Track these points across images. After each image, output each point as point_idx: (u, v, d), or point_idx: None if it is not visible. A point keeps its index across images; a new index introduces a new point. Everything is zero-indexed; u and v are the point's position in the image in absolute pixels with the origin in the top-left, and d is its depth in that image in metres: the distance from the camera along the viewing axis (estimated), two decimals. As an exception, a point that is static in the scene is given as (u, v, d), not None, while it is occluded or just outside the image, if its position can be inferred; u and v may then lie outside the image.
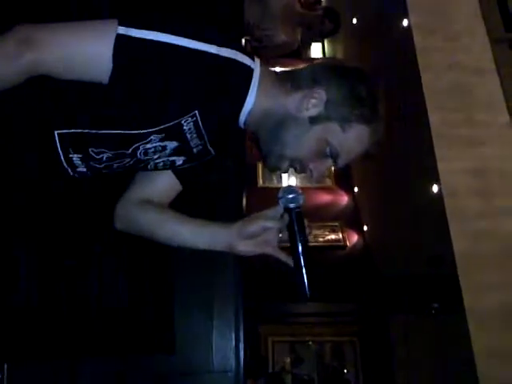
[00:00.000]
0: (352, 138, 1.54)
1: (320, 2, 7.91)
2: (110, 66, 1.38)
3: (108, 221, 1.81)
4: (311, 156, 1.56)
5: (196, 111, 1.48)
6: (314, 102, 1.51)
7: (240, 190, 2.68)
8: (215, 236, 1.66)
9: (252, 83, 1.50)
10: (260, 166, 6.56)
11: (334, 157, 1.56)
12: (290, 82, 1.57)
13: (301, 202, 1.57)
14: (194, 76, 1.42)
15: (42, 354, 2.28)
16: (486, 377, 3.31)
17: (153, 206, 1.75)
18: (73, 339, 2.26)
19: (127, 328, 2.31)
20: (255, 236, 1.60)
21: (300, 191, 1.57)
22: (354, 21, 6.22)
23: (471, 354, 3.34)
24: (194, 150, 1.61)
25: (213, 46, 1.42)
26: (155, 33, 1.38)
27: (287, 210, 1.56)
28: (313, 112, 1.52)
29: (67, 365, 2.34)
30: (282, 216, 1.58)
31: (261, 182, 6.51)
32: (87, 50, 1.41)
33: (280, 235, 1.59)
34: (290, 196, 1.56)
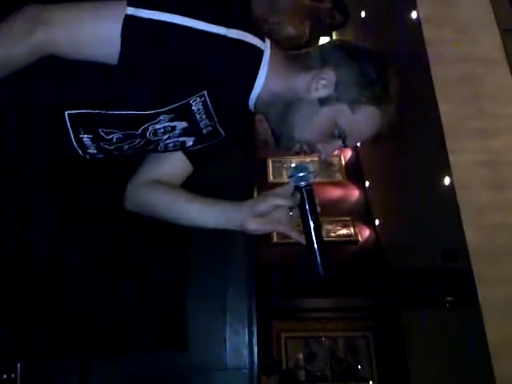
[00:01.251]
0: (362, 120, 1.52)
1: (328, -4, 7.89)
2: (119, 46, 1.38)
3: (119, 212, 1.81)
4: (320, 137, 1.55)
5: (204, 91, 1.47)
6: (323, 83, 1.50)
7: (250, 186, 2.68)
8: (225, 214, 1.65)
9: (262, 65, 1.49)
10: (270, 161, 6.55)
11: (343, 138, 1.55)
12: (299, 62, 1.55)
13: (312, 180, 1.55)
14: (202, 57, 1.41)
15: (55, 352, 2.28)
16: (501, 369, 3.30)
17: (162, 185, 1.75)
18: (84, 338, 2.26)
19: (139, 325, 2.30)
20: (266, 214, 1.58)
21: (311, 168, 1.55)
22: (363, 14, 6.19)
23: (486, 347, 3.32)
24: (204, 131, 1.60)
25: (221, 27, 1.40)
26: (163, 13, 1.37)
27: (298, 188, 1.55)
28: (322, 93, 1.51)
29: (79, 363, 2.34)
30: (292, 194, 1.56)
31: (271, 177, 6.50)
32: (96, 30, 1.40)
33: (291, 213, 1.58)
34: (301, 174, 1.54)
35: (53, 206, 2.09)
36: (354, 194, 6.53)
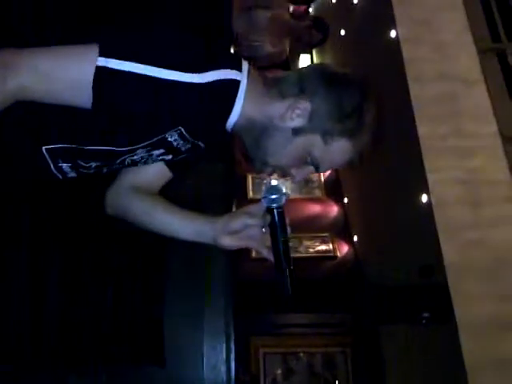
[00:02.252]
0: (334, 151, 1.55)
1: (308, 12, 7.96)
2: (91, 95, 1.38)
3: (98, 229, 1.82)
4: (293, 163, 1.59)
5: (180, 127, 1.48)
6: (298, 113, 1.52)
7: (230, 201, 2.69)
8: (199, 228, 1.69)
9: (238, 96, 1.51)
10: (250, 177, 6.56)
11: (315, 166, 1.58)
12: (277, 89, 1.57)
13: (283, 202, 1.58)
14: (176, 105, 1.42)
15: (33, 366, 2.26)
16: (478, 385, 3.31)
17: (144, 194, 1.77)
18: (62, 352, 2.25)
19: (117, 341, 2.29)
20: (239, 231, 1.63)
21: (284, 191, 1.58)
22: (342, 32, 6.24)
23: (462, 363, 3.34)
24: (182, 149, 1.62)
25: (195, 74, 1.40)
26: (135, 64, 1.37)
27: (269, 209, 1.59)
28: (296, 123, 1.53)
29: (57, 377, 2.33)
30: (264, 213, 1.60)
31: (251, 193, 6.50)
32: (68, 78, 1.40)
33: (263, 230, 1.62)
34: (273, 196, 1.58)
35: (30, 223, 2.09)
36: (333, 210, 6.55)
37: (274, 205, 1.58)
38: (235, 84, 1.50)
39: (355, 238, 6.13)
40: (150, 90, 1.38)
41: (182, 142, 1.56)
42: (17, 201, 1.73)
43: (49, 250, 2.20)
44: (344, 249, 6.17)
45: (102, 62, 1.36)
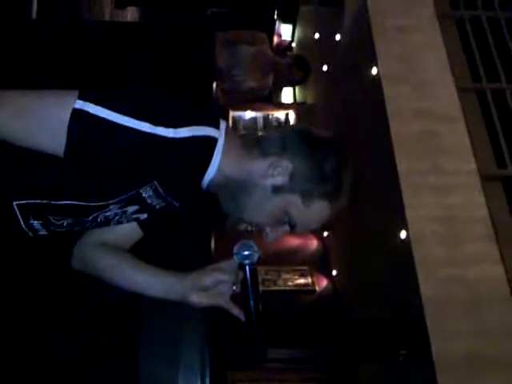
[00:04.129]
0: (312, 212, 1.54)
1: (291, 49, 8.05)
2: (64, 139, 1.36)
3: (71, 270, 1.79)
4: (269, 222, 1.56)
5: (154, 181, 1.47)
6: (279, 171, 1.51)
7: (208, 231, 2.68)
8: (169, 286, 1.65)
9: (215, 153, 1.49)
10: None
11: (292, 226, 1.56)
12: (257, 148, 1.56)
13: (256, 259, 1.56)
14: (150, 158, 1.40)
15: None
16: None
17: (111, 251, 1.73)
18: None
19: (91, 379, 2.26)
20: (209, 288, 1.59)
21: (256, 247, 1.56)
22: (325, 67, 6.31)
23: (439, 402, 3.33)
24: (157, 207, 1.59)
25: (169, 129, 1.39)
26: (112, 113, 1.36)
27: (241, 266, 1.55)
28: (277, 181, 1.51)
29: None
30: (236, 270, 1.57)
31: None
32: (44, 120, 1.38)
33: (234, 287, 1.58)
34: (245, 253, 1.54)
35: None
36: (313, 243, 6.56)
37: (247, 261, 1.54)
38: (212, 141, 1.48)
39: (334, 272, 6.13)
40: (123, 140, 1.37)
41: (156, 198, 1.53)
42: None
43: (20, 302, 2.18)
44: (323, 283, 6.17)
45: (80, 104, 1.35)
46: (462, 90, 4.29)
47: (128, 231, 1.74)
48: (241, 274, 1.55)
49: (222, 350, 4.30)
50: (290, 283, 6.04)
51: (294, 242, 6.47)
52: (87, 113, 1.35)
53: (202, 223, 2.59)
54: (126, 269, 1.70)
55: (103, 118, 1.35)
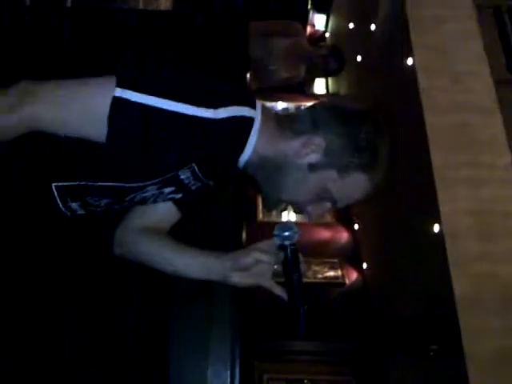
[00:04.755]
0: (350, 185, 1.54)
1: (325, 39, 7.99)
2: (106, 126, 1.38)
3: (105, 258, 1.80)
4: (309, 200, 1.56)
5: (193, 163, 1.47)
6: (313, 149, 1.51)
7: (239, 224, 2.67)
8: (209, 267, 1.65)
9: (252, 133, 1.50)
10: (260, 199, 6.54)
11: (333, 201, 1.56)
12: (290, 127, 1.56)
13: (296, 239, 1.56)
14: (190, 139, 1.42)
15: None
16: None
17: (152, 234, 1.75)
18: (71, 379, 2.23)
19: (121, 366, 2.27)
20: (249, 268, 1.59)
21: (295, 228, 1.57)
22: (359, 58, 6.24)
23: (470, 398, 3.29)
24: (193, 188, 1.60)
25: (209, 109, 1.40)
26: (151, 97, 1.38)
27: (282, 247, 1.56)
28: (312, 159, 1.51)
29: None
30: (276, 251, 1.57)
31: (260, 216, 6.48)
32: (84, 110, 1.41)
33: (275, 267, 1.59)
34: (285, 234, 1.55)
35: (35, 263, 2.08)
36: (343, 236, 6.52)
37: (287, 242, 1.55)
38: (249, 121, 1.49)
39: (364, 265, 6.08)
40: (163, 123, 1.38)
41: (193, 180, 1.54)
42: (21, 240, 1.71)
43: (56, 289, 2.19)
44: (353, 276, 6.13)
45: (119, 92, 1.37)
46: (498, 82, 4.22)
47: (167, 214, 1.76)
48: (281, 255, 1.56)
49: (251, 341, 4.29)
50: (319, 275, 6.01)
51: (324, 234, 6.43)
52: (127, 100, 1.37)
53: (233, 213, 2.59)
54: (167, 252, 1.72)
55: (143, 104, 1.37)
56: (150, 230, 1.75)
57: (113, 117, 1.37)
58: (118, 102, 1.37)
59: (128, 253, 1.78)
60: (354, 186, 1.54)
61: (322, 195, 1.54)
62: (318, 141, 1.51)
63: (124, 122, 1.38)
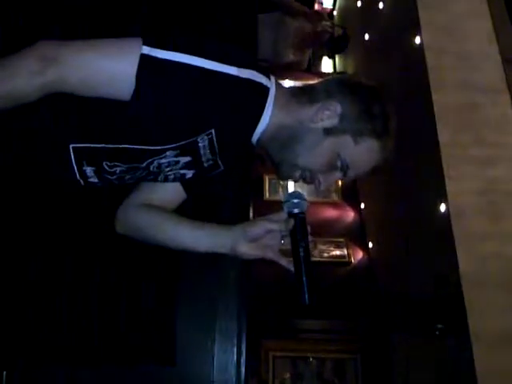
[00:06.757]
0: (363, 152, 1.56)
1: (332, 17, 7.94)
2: (133, 85, 1.39)
3: (110, 229, 1.80)
4: (322, 167, 1.58)
5: (212, 130, 1.49)
6: (328, 114, 1.54)
7: (246, 203, 2.67)
8: (216, 238, 1.66)
9: (268, 101, 1.53)
10: (266, 178, 6.54)
11: (344, 169, 1.58)
12: (304, 96, 1.60)
13: (305, 207, 1.58)
14: (214, 97, 1.43)
15: (41, 361, 2.26)
16: (489, 400, 3.28)
17: (153, 208, 1.75)
18: (72, 347, 2.24)
19: (128, 339, 2.29)
20: (257, 239, 1.60)
21: (305, 197, 1.58)
22: (366, 36, 6.21)
23: (474, 377, 3.30)
24: (205, 165, 1.62)
25: (233, 67, 1.44)
26: (177, 54, 1.40)
27: (291, 214, 1.57)
28: (327, 123, 1.54)
29: (66, 373, 2.32)
30: (285, 220, 1.58)
31: (267, 194, 6.48)
32: (111, 70, 1.41)
33: (282, 242, 1.61)
34: (295, 201, 1.57)
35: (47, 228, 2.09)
36: (349, 215, 6.52)
37: (296, 210, 1.56)
38: (265, 90, 1.53)
39: (370, 245, 6.09)
40: (190, 79, 1.41)
41: (208, 151, 1.56)
42: (33, 199, 1.72)
43: (63, 248, 2.20)
44: (358, 255, 6.14)
45: (147, 50, 1.39)
46: (506, 61, 4.19)
47: (172, 192, 1.77)
48: (291, 223, 1.56)
49: (258, 318, 4.31)
50: (325, 254, 6.02)
51: (330, 213, 6.44)
52: (155, 57, 1.40)
53: (240, 194, 2.60)
54: (172, 225, 1.72)
55: (170, 60, 1.40)
56: (154, 206, 1.76)
57: (141, 75, 1.38)
58: (145, 60, 1.39)
59: (130, 230, 1.79)
60: (367, 152, 1.56)
61: (335, 163, 1.56)
62: (334, 105, 1.54)
63: (152, 79, 1.40)
